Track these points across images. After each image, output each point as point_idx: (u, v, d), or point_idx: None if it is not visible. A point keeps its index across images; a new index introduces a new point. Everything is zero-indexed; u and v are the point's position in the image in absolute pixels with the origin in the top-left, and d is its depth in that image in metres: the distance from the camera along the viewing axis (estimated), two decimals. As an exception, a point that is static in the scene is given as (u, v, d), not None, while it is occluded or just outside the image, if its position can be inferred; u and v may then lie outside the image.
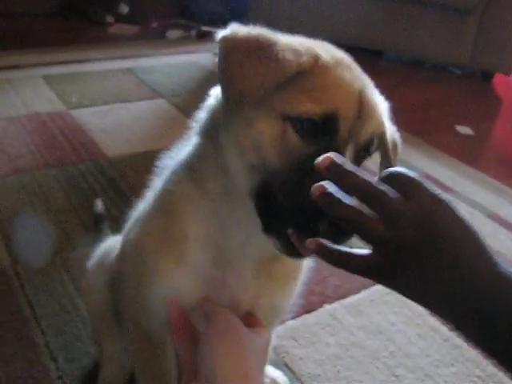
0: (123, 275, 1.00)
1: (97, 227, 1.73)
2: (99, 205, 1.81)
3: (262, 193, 0.78)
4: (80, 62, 3.24)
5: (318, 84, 0.77)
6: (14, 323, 1.46)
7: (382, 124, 0.83)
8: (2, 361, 1.35)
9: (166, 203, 0.90)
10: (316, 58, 0.78)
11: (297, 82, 0.76)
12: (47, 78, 3.01)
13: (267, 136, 0.77)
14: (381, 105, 0.84)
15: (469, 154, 2.77)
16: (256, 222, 0.80)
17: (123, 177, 2.15)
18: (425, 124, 3.07)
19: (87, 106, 2.73)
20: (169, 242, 0.88)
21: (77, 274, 1.64)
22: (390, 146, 0.87)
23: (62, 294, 1.57)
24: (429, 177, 2.44)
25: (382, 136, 0.84)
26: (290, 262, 0.92)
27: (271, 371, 1.39)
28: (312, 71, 0.77)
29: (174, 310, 0.85)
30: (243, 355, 0.78)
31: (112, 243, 1.27)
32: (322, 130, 0.76)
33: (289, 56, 0.76)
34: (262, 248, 0.87)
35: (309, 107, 0.75)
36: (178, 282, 0.88)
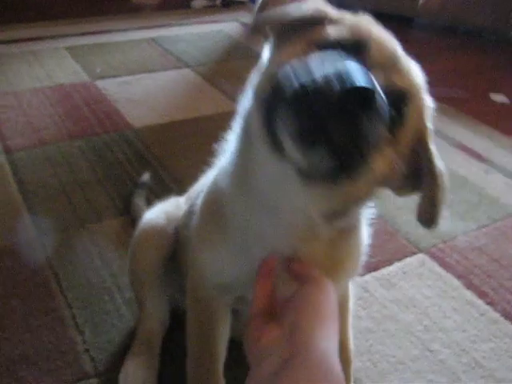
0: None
1: (134, 193, 1.75)
2: (147, 176, 1.82)
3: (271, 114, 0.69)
4: (104, 32, 3.20)
5: (352, 23, 0.75)
6: (40, 296, 1.44)
7: (417, 86, 0.77)
8: (30, 333, 1.33)
9: (214, 193, 0.94)
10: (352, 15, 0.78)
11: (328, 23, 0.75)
12: (71, 50, 2.97)
13: (287, 56, 0.72)
14: (417, 71, 0.79)
15: (504, 122, 2.67)
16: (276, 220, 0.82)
17: (148, 147, 2.11)
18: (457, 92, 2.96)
19: (112, 76, 2.68)
20: (216, 224, 0.92)
21: (103, 246, 1.62)
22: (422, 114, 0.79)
23: (87, 267, 1.55)
24: (464, 147, 2.36)
25: (416, 101, 0.76)
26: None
27: None
28: (348, 20, 0.77)
29: (264, 260, 0.87)
30: (331, 325, 0.78)
31: (171, 204, 1.33)
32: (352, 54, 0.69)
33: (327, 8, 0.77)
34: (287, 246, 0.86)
35: (340, 32, 0.72)
36: (219, 258, 0.93)
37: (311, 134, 0.63)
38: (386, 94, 0.65)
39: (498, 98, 2.94)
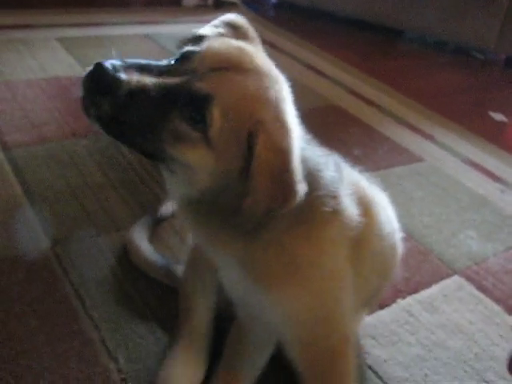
0: None
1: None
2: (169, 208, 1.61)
3: None
4: (94, 25, 3.00)
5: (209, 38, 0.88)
6: (62, 315, 1.26)
7: (232, 94, 0.80)
8: (55, 360, 1.15)
9: None
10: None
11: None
12: (63, 41, 2.75)
13: None
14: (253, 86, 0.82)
15: (507, 141, 2.66)
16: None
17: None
18: (457, 109, 2.93)
19: None
20: None
21: (125, 259, 1.45)
22: None
23: (111, 281, 1.38)
24: (476, 165, 2.32)
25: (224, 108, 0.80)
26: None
27: None
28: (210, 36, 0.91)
29: None
30: None
31: None
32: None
33: None
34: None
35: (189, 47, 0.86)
36: None
37: (85, 112, 0.81)
38: (189, 97, 0.78)
39: (498, 116, 2.92)
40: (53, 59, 2.54)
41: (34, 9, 3.09)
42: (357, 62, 3.25)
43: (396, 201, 1.19)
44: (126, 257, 1.45)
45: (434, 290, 1.59)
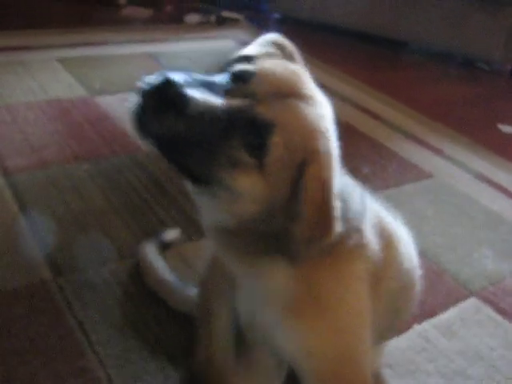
0: None
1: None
2: (174, 233, 1.56)
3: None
4: (95, 44, 2.95)
5: (261, 59, 0.83)
6: (66, 351, 1.21)
7: (292, 122, 0.78)
8: (61, 401, 1.10)
9: None
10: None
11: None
12: (63, 61, 2.70)
13: None
14: (309, 112, 0.79)
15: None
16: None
17: (164, 170, 1.88)
18: (466, 121, 2.88)
19: (113, 92, 2.42)
20: None
21: (132, 290, 1.40)
22: None
23: (117, 314, 1.32)
24: (489, 180, 2.26)
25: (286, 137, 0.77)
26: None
27: None
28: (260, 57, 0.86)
29: None
30: None
31: None
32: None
33: None
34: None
35: (242, 66, 0.80)
36: None
37: (140, 126, 0.74)
38: (250, 122, 0.75)
39: (506, 128, 2.87)
40: (53, 80, 2.49)
41: (33, 29, 3.05)
42: (360, 75, 3.20)
43: (407, 220, 1.15)
44: (140, 279, 1.41)
45: (450, 313, 1.53)
